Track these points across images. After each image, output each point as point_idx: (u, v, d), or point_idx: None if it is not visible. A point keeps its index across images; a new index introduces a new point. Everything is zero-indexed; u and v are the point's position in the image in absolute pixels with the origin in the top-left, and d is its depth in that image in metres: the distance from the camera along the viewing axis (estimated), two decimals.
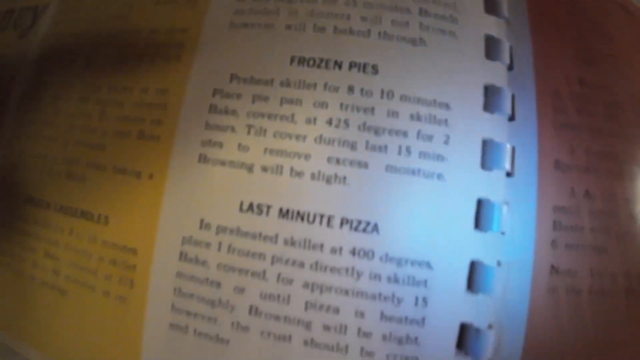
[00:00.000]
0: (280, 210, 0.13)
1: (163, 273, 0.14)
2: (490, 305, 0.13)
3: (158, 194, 0.14)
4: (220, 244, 0.14)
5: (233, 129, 0.14)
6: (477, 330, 0.13)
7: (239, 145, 0.14)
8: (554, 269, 0.14)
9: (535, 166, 0.14)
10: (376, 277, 0.13)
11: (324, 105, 0.14)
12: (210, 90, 0.14)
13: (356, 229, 0.13)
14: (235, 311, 0.13)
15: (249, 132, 0.14)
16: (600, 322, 0.14)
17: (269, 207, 0.14)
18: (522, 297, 0.14)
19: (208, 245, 0.14)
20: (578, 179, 0.14)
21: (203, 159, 0.14)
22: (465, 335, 0.13)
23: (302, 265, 0.13)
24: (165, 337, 0.14)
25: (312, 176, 0.13)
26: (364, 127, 0.14)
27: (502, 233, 0.14)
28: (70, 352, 0.15)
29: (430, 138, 0.13)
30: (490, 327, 0.13)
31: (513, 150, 0.14)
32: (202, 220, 0.14)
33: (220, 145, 0.14)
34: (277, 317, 0.13)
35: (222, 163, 0.14)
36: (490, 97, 0.14)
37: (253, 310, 0.13)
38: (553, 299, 0.14)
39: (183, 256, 0.14)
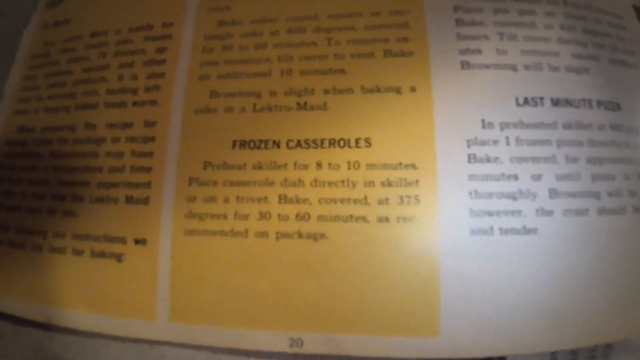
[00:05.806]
0: (551, 99, 0.15)
1: (453, 179, 0.14)
2: None
3: (427, 105, 0.14)
4: (507, 138, 0.14)
5: (486, 37, 0.15)
6: None
7: (497, 50, 0.15)
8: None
9: None
10: None
11: (552, 14, 0.16)
12: (451, 5, 0.15)
13: None
14: (537, 198, 0.14)
15: (502, 39, 0.15)
16: None
17: (541, 98, 0.15)
18: None
19: (496, 142, 0.14)
20: None
21: (466, 65, 0.15)
22: None
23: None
24: (467, 241, 0.14)
25: (567, 68, 0.15)
26: None
27: None
28: None
29: None
30: None
31: None
32: (483, 120, 0.14)
33: (480, 51, 0.15)
34: (572, 195, 0.14)
35: (487, 67, 0.15)
36: None
37: (553, 193, 0.14)
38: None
39: (472, 157, 0.14)
